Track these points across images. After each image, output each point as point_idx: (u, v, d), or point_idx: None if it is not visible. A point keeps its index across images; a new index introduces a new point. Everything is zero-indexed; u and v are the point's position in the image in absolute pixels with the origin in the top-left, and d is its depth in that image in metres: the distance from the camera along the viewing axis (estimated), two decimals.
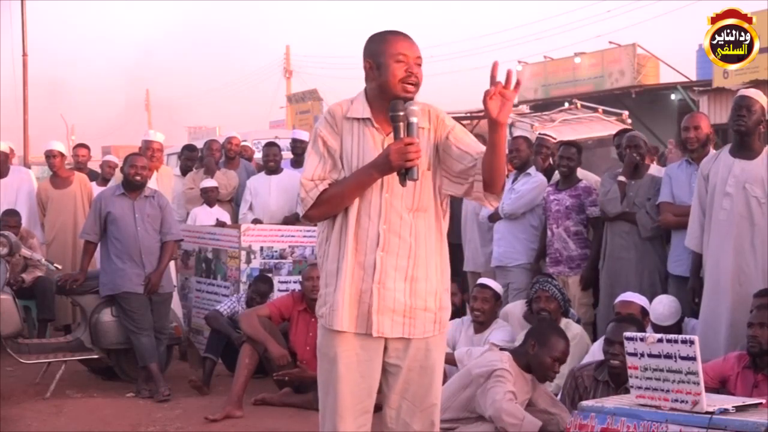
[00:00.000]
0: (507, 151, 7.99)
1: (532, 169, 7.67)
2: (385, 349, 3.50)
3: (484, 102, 3.24)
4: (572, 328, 6.18)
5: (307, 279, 6.72)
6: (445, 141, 3.49)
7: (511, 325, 6.51)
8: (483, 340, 6.28)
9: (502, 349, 5.33)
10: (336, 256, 3.46)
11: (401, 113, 3.36)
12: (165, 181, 8.60)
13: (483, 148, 3.44)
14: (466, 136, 3.53)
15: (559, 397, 5.40)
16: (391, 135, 3.43)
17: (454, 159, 3.46)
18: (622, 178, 6.80)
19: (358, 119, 3.48)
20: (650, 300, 6.26)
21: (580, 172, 7.51)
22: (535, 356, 5.11)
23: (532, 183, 7.51)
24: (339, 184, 3.43)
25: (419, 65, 3.46)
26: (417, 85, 3.43)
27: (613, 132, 9.35)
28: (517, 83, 3.26)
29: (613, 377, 5.11)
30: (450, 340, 6.44)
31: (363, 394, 3.50)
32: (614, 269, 6.79)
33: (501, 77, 3.26)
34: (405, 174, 3.33)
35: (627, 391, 4.76)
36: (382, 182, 3.43)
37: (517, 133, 15.64)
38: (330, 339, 3.49)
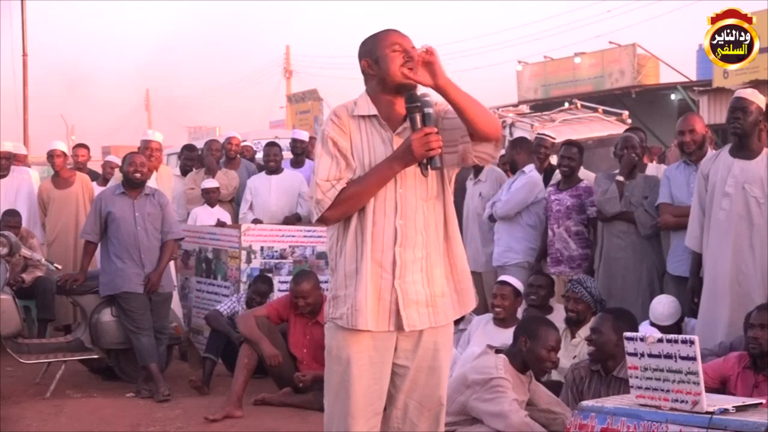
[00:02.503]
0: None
1: (528, 167, 7.70)
2: (395, 349, 3.51)
3: (411, 78, 3.34)
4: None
5: (294, 296, 6.71)
6: (440, 119, 3.51)
7: None
8: (506, 334, 6.17)
9: (498, 350, 5.28)
10: (354, 256, 3.46)
11: (417, 104, 3.38)
12: (164, 180, 8.59)
13: None
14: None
15: (562, 392, 5.42)
16: (398, 132, 3.46)
17: (450, 129, 3.48)
18: (620, 178, 6.81)
19: (364, 117, 3.49)
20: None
21: (582, 173, 7.51)
22: (529, 352, 5.09)
23: (522, 181, 7.52)
24: (357, 182, 3.43)
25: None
26: (417, 67, 3.42)
27: (614, 132, 9.37)
28: (430, 50, 3.36)
29: (604, 366, 5.20)
30: (465, 335, 6.45)
31: (374, 396, 3.50)
32: (612, 269, 6.79)
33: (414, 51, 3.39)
34: (427, 164, 3.36)
35: (620, 382, 4.81)
36: (396, 177, 3.44)
37: (517, 133, 15.68)
38: (343, 340, 3.48)
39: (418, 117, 3.38)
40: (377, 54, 3.46)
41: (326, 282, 6.58)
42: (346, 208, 3.43)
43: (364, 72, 3.53)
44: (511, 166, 7.85)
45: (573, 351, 6.09)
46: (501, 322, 6.44)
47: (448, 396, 4.95)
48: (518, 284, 6.63)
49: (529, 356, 5.10)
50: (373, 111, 3.49)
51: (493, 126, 3.41)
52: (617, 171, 6.94)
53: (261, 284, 7.41)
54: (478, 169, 8.06)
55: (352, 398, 3.46)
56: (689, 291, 6.05)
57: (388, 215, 3.45)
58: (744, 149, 5.68)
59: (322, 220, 3.50)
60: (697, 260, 5.95)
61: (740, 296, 5.54)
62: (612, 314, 5.31)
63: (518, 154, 7.81)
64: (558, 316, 6.39)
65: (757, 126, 5.64)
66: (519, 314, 6.70)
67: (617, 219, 6.79)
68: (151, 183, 8.05)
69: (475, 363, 5.18)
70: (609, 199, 6.79)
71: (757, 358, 4.87)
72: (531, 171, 7.68)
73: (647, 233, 6.70)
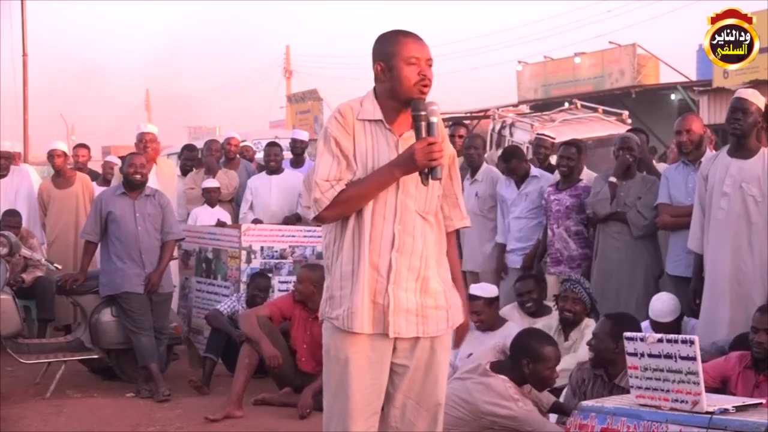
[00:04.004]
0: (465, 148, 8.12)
1: (534, 170, 7.72)
2: (393, 349, 3.51)
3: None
4: (593, 327, 6.09)
5: (301, 281, 6.72)
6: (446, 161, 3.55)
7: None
8: (495, 337, 6.13)
9: (492, 364, 5.19)
10: (351, 258, 3.45)
11: (423, 113, 3.38)
12: (165, 174, 8.55)
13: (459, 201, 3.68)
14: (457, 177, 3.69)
15: (564, 391, 5.41)
16: (404, 137, 3.45)
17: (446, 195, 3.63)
18: (612, 179, 6.81)
19: (370, 121, 3.48)
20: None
21: (585, 173, 7.51)
22: (533, 373, 5.03)
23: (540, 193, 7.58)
24: (357, 185, 3.42)
25: (430, 66, 3.47)
26: (429, 87, 3.45)
27: (614, 132, 9.37)
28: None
29: (606, 372, 5.16)
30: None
31: (373, 396, 3.50)
32: (607, 269, 6.78)
33: None
34: (428, 174, 3.36)
35: (622, 391, 4.80)
36: (398, 183, 3.44)
37: (517, 133, 15.71)
38: (341, 341, 3.48)
39: (423, 126, 3.37)
40: (392, 63, 3.43)
41: None
42: (343, 209, 3.43)
43: (375, 74, 3.50)
44: (508, 172, 7.82)
45: (566, 354, 6.05)
46: (484, 329, 6.36)
47: (457, 418, 4.96)
48: (488, 293, 6.44)
49: (532, 377, 5.05)
50: (379, 116, 3.47)
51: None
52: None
53: (260, 279, 7.38)
54: (474, 169, 8.07)
55: (351, 398, 3.46)
56: (691, 292, 6.05)
57: (387, 219, 3.44)
58: (742, 149, 5.69)
59: (319, 219, 3.50)
60: (699, 261, 5.95)
61: (740, 295, 5.54)
62: (612, 320, 5.21)
63: (514, 164, 7.75)
64: (555, 316, 6.35)
65: (756, 126, 5.65)
66: (511, 311, 6.67)
67: (611, 219, 6.80)
68: (151, 176, 8.06)
69: (483, 391, 5.01)
70: (600, 200, 6.81)
71: (761, 361, 4.86)
72: (542, 174, 7.72)
73: (639, 234, 6.71)
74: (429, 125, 3.37)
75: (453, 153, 3.68)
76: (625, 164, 6.84)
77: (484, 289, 6.48)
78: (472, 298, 6.30)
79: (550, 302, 6.70)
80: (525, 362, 5.03)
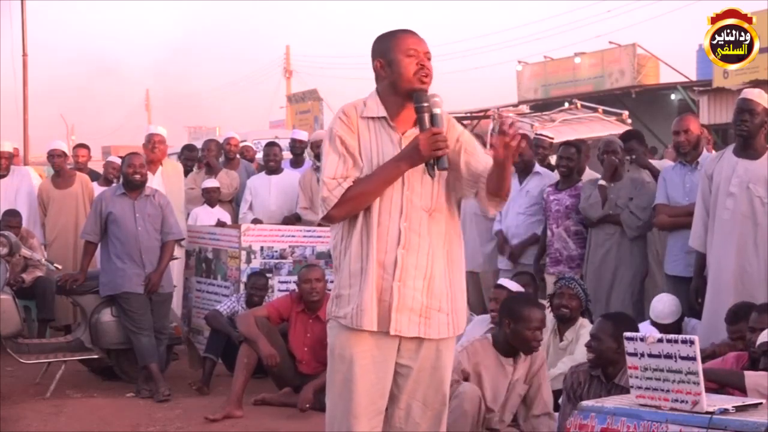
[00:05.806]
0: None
1: (537, 168, 7.72)
2: (398, 349, 3.51)
3: (493, 146, 3.36)
4: (589, 327, 6.11)
5: (305, 282, 6.70)
6: (456, 144, 3.52)
7: None
8: None
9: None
10: (359, 256, 3.45)
11: (425, 104, 3.38)
12: (171, 175, 8.54)
13: (489, 158, 3.49)
14: (474, 142, 3.60)
15: (561, 397, 5.41)
16: (407, 135, 3.45)
17: (470, 162, 3.51)
18: (602, 182, 6.85)
19: (373, 118, 3.48)
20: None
21: (587, 173, 7.51)
22: (513, 333, 5.05)
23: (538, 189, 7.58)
24: (364, 181, 3.42)
25: (429, 59, 3.48)
26: (429, 77, 3.45)
27: (614, 132, 9.36)
28: (519, 137, 3.41)
29: (605, 373, 5.14)
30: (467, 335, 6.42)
31: (377, 395, 3.50)
32: (599, 271, 6.81)
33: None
34: (434, 164, 3.35)
35: (622, 390, 4.80)
36: (403, 179, 3.44)
37: None
38: (346, 340, 3.48)
39: (426, 117, 3.37)
40: (391, 57, 3.45)
41: (330, 282, 6.56)
42: (351, 206, 3.42)
43: (375, 72, 3.51)
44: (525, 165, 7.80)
45: (561, 354, 6.05)
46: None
47: None
48: (515, 287, 6.41)
49: (513, 338, 5.06)
50: (383, 113, 3.48)
51: (509, 188, 3.52)
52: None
53: (257, 278, 7.38)
54: None
55: (355, 397, 3.46)
56: (693, 291, 6.05)
57: (393, 216, 3.44)
58: (748, 149, 5.70)
59: (328, 218, 3.48)
60: (701, 260, 5.95)
61: (744, 295, 5.54)
62: (611, 320, 5.19)
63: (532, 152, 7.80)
64: (550, 315, 6.34)
65: (763, 127, 5.65)
66: None
67: (603, 222, 6.83)
68: (157, 177, 8.03)
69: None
70: (591, 204, 6.85)
71: (759, 362, 4.85)
72: (545, 172, 7.74)
73: (633, 235, 6.74)
74: (432, 116, 3.37)
75: (458, 130, 3.60)
76: (612, 166, 6.88)
77: (511, 284, 6.38)
78: (498, 287, 6.34)
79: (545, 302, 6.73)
80: (507, 322, 5.06)
